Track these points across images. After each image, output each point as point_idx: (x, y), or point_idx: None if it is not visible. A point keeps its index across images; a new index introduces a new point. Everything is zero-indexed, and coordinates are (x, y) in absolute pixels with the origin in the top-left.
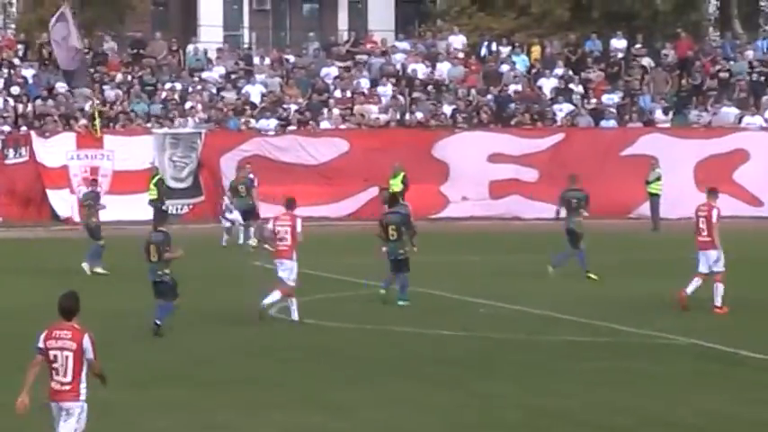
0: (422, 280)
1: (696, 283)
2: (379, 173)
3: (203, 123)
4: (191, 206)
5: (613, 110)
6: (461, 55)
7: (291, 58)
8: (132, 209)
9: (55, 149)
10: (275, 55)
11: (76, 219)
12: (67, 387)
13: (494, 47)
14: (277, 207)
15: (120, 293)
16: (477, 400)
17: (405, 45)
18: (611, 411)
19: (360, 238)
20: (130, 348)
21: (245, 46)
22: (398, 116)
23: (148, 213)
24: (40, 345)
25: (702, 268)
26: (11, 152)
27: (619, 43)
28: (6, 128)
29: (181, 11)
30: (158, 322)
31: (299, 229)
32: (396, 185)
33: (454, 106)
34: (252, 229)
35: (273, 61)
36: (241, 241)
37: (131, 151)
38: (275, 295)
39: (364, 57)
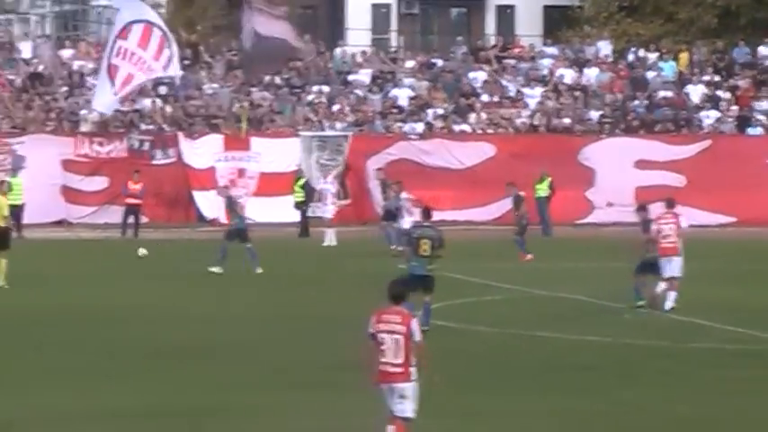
0: (566, 285)
1: None
2: (524, 178)
3: (350, 126)
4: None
5: (762, 116)
6: (609, 61)
7: (438, 62)
8: (278, 211)
9: (202, 151)
10: (422, 59)
11: (222, 220)
12: (399, 369)
13: (641, 53)
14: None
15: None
16: (617, 408)
17: (552, 50)
18: (758, 422)
19: (503, 242)
20: (252, 349)
21: (392, 49)
22: (545, 121)
23: (293, 215)
24: (371, 330)
25: None
26: (158, 153)
27: (767, 50)
28: (153, 128)
29: (328, 14)
30: (426, 328)
31: (683, 225)
32: (542, 191)
33: (601, 112)
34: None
35: (420, 65)
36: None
37: (278, 153)
38: (670, 296)
39: (511, 61)
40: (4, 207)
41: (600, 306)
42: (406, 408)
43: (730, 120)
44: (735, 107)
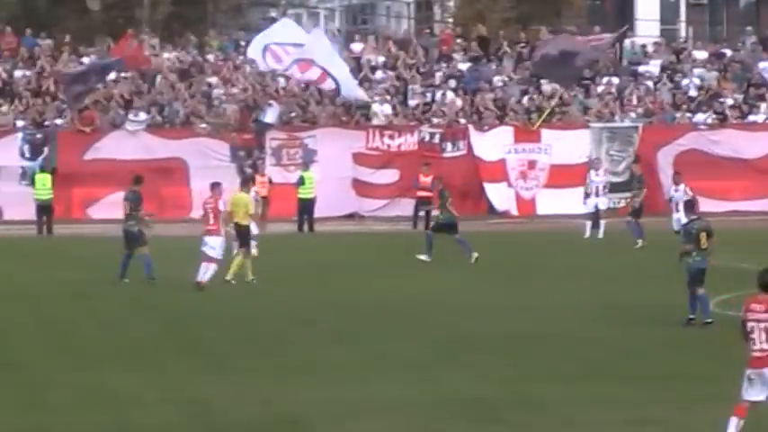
0: None
1: None
2: None
3: (640, 117)
4: (627, 200)
5: None
6: None
7: (728, 52)
8: (568, 203)
9: (492, 143)
10: (712, 49)
11: (514, 212)
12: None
13: None
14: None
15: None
16: None
17: None
18: None
19: None
20: (559, 342)
21: (682, 40)
22: None
23: (582, 207)
24: (742, 317)
25: None
26: (448, 145)
27: None
28: (443, 121)
29: (617, 6)
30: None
31: None
32: None
33: None
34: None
35: (710, 55)
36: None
37: (568, 145)
38: None
39: None
40: (250, 204)
41: None
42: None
43: None
44: None
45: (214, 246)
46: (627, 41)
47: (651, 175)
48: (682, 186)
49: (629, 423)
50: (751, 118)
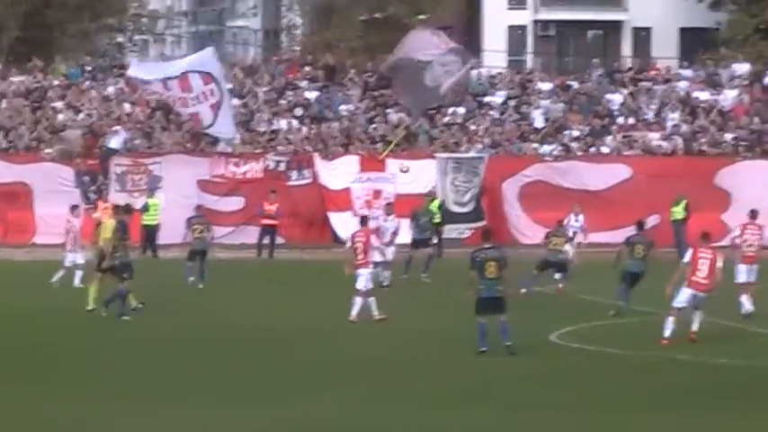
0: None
1: None
2: (660, 200)
3: (486, 148)
4: (472, 230)
5: None
6: (745, 83)
7: (574, 84)
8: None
9: (338, 171)
10: (558, 80)
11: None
12: None
13: None
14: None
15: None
16: None
17: (688, 72)
18: None
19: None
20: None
21: (528, 71)
22: (682, 144)
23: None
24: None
25: None
26: (294, 173)
27: None
28: (289, 149)
29: (465, 36)
30: (509, 343)
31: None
32: (678, 213)
33: (736, 134)
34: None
35: (556, 86)
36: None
37: (414, 175)
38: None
39: (647, 84)
40: (108, 228)
41: (737, 329)
42: None
43: None
44: None
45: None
46: (473, 72)
47: (495, 206)
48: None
49: None
50: (596, 150)
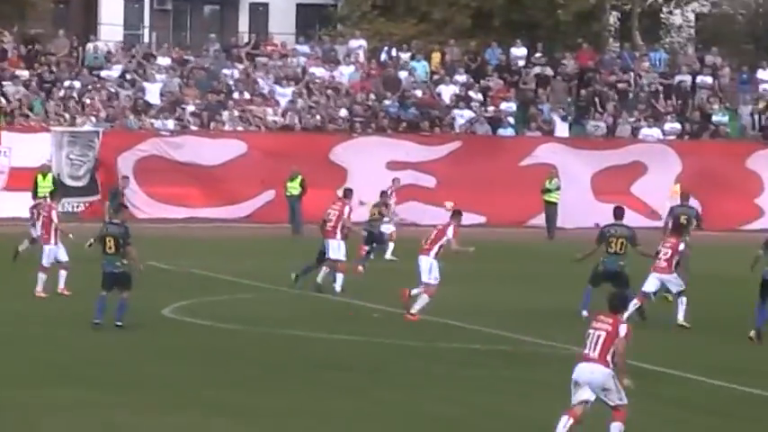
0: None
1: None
2: (276, 176)
3: (101, 122)
4: (87, 204)
5: (511, 118)
6: (361, 60)
7: (191, 59)
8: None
9: None
10: (175, 55)
11: None
12: None
13: (394, 52)
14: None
15: None
16: (380, 408)
17: (305, 48)
18: (510, 421)
19: (255, 240)
20: (29, 347)
21: (145, 45)
22: (297, 119)
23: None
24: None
25: None
26: None
27: (519, 52)
28: None
29: (81, 9)
30: (120, 323)
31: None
32: (294, 189)
33: (352, 111)
34: None
35: (173, 61)
36: None
37: (29, 149)
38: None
39: (264, 59)
40: None
41: (351, 305)
42: None
43: (483, 121)
44: (491, 108)
45: None
46: (89, 45)
47: (111, 180)
48: None
49: (96, 428)
50: (213, 125)
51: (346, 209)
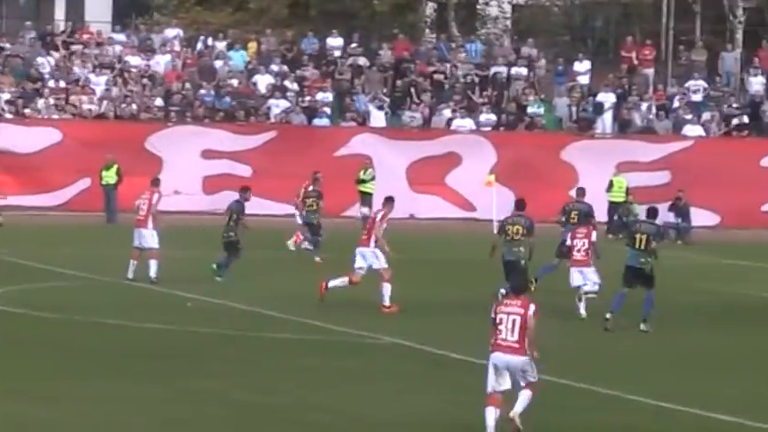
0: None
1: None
2: (91, 164)
3: None
4: None
5: (327, 108)
6: (177, 49)
7: (7, 46)
8: None
9: None
10: None
11: None
12: None
13: (210, 41)
14: None
15: None
16: (188, 396)
17: (121, 37)
18: (319, 409)
19: (69, 228)
20: None
21: None
22: (113, 108)
23: None
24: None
25: None
26: None
27: (335, 42)
28: None
29: None
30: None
31: None
32: (109, 177)
33: (167, 100)
34: None
35: None
36: None
37: None
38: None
39: (80, 47)
40: None
41: (163, 294)
42: None
43: (298, 111)
44: (308, 97)
45: None
46: None
47: None
48: None
49: None
50: (27, 112)
51: (155, 197)
